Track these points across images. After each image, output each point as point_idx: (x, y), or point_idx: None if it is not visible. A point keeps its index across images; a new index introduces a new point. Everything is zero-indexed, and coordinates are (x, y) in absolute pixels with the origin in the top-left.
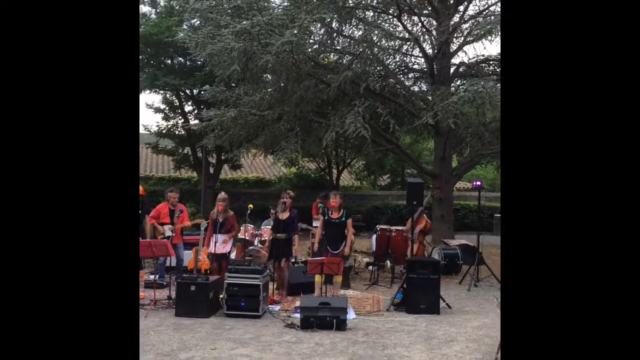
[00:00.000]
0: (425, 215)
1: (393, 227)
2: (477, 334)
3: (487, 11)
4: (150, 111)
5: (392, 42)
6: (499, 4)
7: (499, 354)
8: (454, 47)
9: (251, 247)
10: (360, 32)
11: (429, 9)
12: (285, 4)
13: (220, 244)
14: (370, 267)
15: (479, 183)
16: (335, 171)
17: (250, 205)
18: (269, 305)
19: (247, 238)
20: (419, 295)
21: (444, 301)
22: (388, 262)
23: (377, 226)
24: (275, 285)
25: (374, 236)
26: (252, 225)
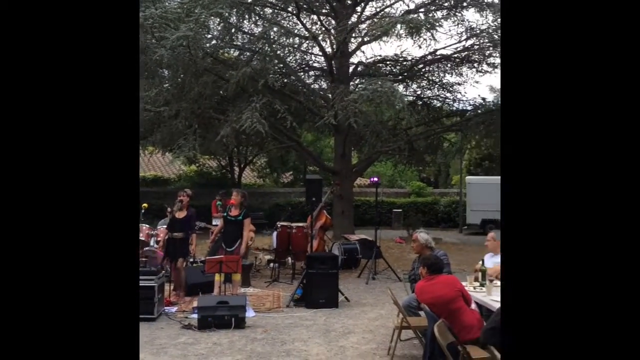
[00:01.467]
0: (325, 212)
1: (294, 224)
2: (373, 325)
3: (383, 12)
4: None
5: (292, 40)
6: (395, 6)
7: (393, 342)
8: (352, 46)
9: (146, 248)
10: (259, 29)
11: (327, 8)
12: None
13: None
14: (271, 265)
15: (375, 179)
16: (237, 169)
17: (145, 205)
18: (165, 307)
19: (142, 238)
20: (318, 290)
21: (343, 295)
22: (289, 258)
23: (278, 223)
24: (172, 286)
25: (275, 233)
26: (147, 225)
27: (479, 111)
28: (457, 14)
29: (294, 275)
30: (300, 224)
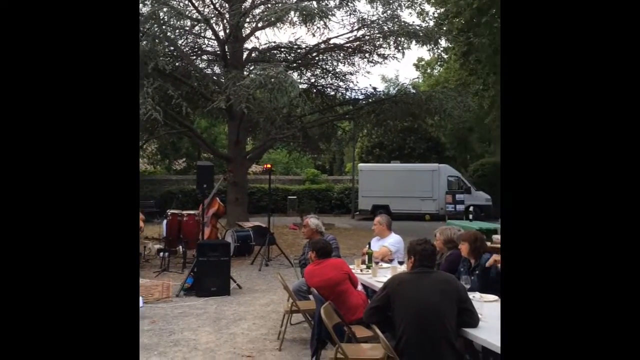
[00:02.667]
0: (218, 199)
1: (185, 212)
2: (265, 311)
3: None
4: None
5: (183, 22)
6: None
7: (283, 327)
8: (246, 31)
9: None
10: (147, 9)
11: None
12: None
13: None
14: (161, 254)
15: (268, 166)
16: None
17: None
18: None
19: None
20: (210, 278)
21: (235, 282)
22: (180, 247)
23: (168, 211)
24: None
25: (165, 221)
26: None
27: (370, 100)
28: (349, 4)
29: (185, 264)
30: (192, 212)
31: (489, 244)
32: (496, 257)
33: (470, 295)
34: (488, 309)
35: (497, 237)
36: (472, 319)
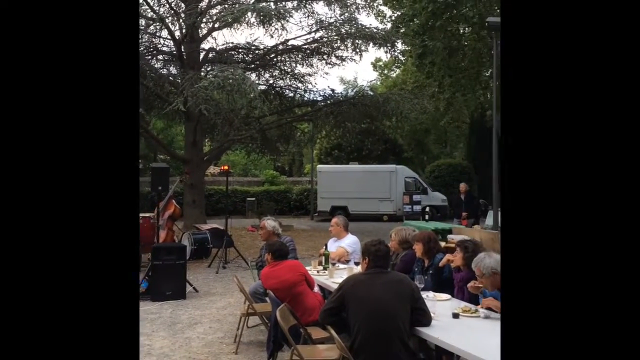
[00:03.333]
0: (174, 201)
1: (140, 215)
2: (221, 314)
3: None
4: None
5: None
6: None
7: (239, 330)
8: (203, 31)
9: None
10: None
11: None
12: None
13: None
14: None
15: (226, 167)
16: None
17: None
18: None
19: None
20: (165, 282)
21: (191, 285)
22: None
23: None
24: None
25: None
26: None
27: (329, 102)
28: (307, 6)
29: (140, 268)
30: (147, 214)
31: (443, 244)
32: (449, 256)
33: (424, 294)
34: (440, 308)
35: (451, 237)
36: (425, 318)
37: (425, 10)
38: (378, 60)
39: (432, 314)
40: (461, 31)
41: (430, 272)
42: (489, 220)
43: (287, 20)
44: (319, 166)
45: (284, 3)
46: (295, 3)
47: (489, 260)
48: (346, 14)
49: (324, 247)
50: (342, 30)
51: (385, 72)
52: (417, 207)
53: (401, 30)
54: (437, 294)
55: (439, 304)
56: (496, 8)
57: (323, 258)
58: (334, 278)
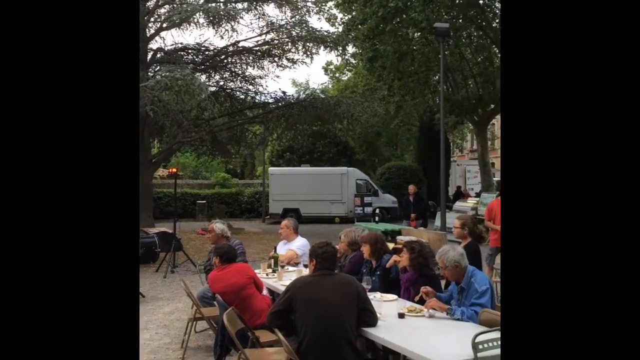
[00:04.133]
0: None
1: None
2: (169, 319)
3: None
4: None
5: None
6: None
7: (186, 335)
8: (150, 31)
9: None
10: None
11: None
12: None
13: None
14: None
15: (174, 170)
16: None
17: None
18: None
19: None
20: None
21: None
22: None
23: None
24: None
25: None
26: None
27: (280, 104)
28: (257, 7)
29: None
30: None
31: (392, 245)
32: (396, 257)
33: (371, 295)
34: (387, 308)
35: (400, 238)
36: (371, 319)
37: (375, 15)
38: (330, 63)
39: (378, 315)
40: (410, 36)
41: (378, 273)
42: (438, 221)
43: (238, 22)
44: (271, 169)
45: (234, 4)
46: (245, 4)
47: (453, 253)
48: (297, 17)
49: (273, 250)
50: (293, 32)
51: (337, 75)
52: (368, 209)
53: (352, 34)
54: (384, 294)
55: (386, 305)
56: (443, 14)
57: (272, 261)
58: (283, 281)
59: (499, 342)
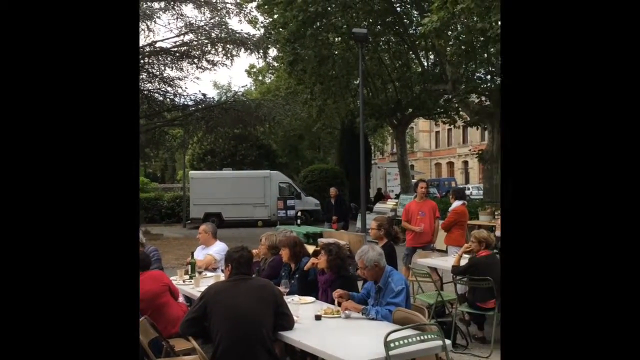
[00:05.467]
0: None
1: None
2: None
3: None
4: None
5: None
6: None
7: None
8: None
9: None
10: None
11: None
12: None
13: None
14: None
15: None
16: None
17: None
18: None
19: None
20: None
21: None
22: None
23: None
24: None
25: None
26: None
27: (200, 107)
28: (175, 7)
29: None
30: None
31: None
32: (314, 260)
33: (289, 298)
34: (304, 311)
35: (322, 241)
36: (288, 322)
37: (296, 19)
38: (252, 66)
39: (295, 318)
40: (331, 40)
41: (297, 276)
42: (360, 222)
43: (154, 22)
44: (191, 172)
45: (150, 3)
46: (162, 4)
47: (372, 253)
48: (217, 18)
49: (191, 256)
50: (213, 34)
51: (260, 78)
52: (291, 212)
53: (273, 37)
54: (301, 297)
55: (303, 307)
56: (362, 19)
57: (189, 267)
58: (200, 287)
59: (410, 340)
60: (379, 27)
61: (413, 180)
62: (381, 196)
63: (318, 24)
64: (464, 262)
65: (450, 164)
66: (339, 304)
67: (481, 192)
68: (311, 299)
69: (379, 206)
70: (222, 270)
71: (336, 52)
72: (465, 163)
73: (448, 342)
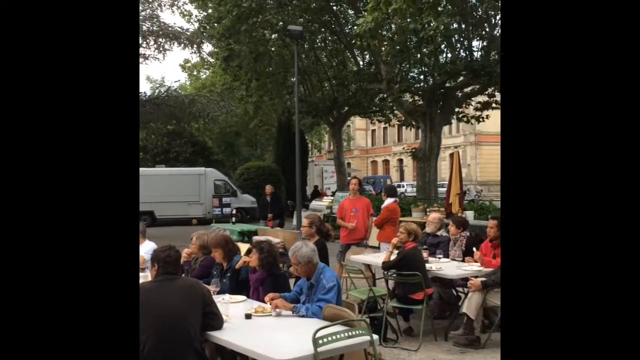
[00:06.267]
0: None
1: None
2: None
3: None
4: None
5: None
6: None
7: None
8: None
9: None
10: None
11: None
12: None
13: None
14: None
15: None
16: None
17: None
18: None
19: None
20: None
21: None
22: None
23: None
24: None
25: None
26: None
27: None
28: None
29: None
30: None
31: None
32: (245, 258)
33: (220, 297)
34: (234, 310)
35: (257, 238)
36: (217, 322)
37: (230, 14)
38: (187, 61)
39: (225, 317)
40: (267, 37)
41: (228, 274)
42: (295, 220)
43: None
44: None
45: None
46: None
47: (306, 249)
48: (148, 11)
49: None
50: (144, 27)
51: (195, 73)
52: (227, 210)
53: (207, 32)
54: (232, 296)
55: (233, 306)
56: (298, 17)
57: None
58: None
59: (338, 336)
60: (315, 25)
61: (349, 178)
62: (317, 194)
63: (254, 19)
64: (394, 258)
65: (386, 162)
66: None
67: (415, 189)
68: (242, 297)
69: (314, 204)
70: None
71: (272, 49)
72: (401, 161)
73: (376, 337)
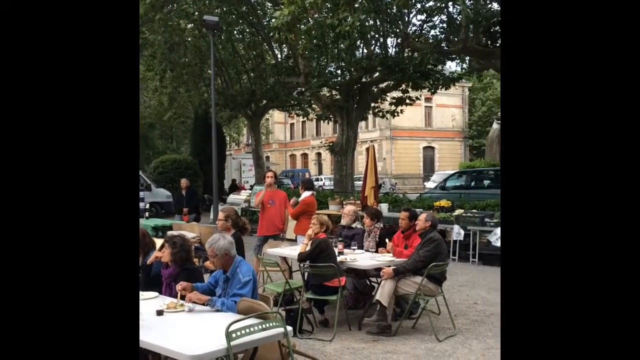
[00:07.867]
0: None
1: None
2: None
3: None
4: None
5: None
6: None
7: None
8: None
9: None
10: None
11: None
12: None
13: None
14: None
15: None
16: None
17: None
18: None
19: None
20: None
21: None
22: None
23: None
24: None
25: None
26: None
27: None
28: None
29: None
30: None
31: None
32: (157, 253)
33: None
34: (146, 307)
35: (171, 233)
36: None
37: (144, 1)
38: None
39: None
40: (182, 26)
41: (140, 271)
42: (212, 214)
43: None
44: None
45: None
46: None
47: (223, 241)
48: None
49: None
50: None
51: None
52: (141, 204)
53: None
54: (143, 292)
55: (144, 303)
56: (215, 7)
57: None
58: None
59: (252, 329)
60: (232, 16)
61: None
62: (235, 187)
63: (168, 7)
64: (308, 249)
65: (305, 156)
66: (183, 297)
67: (332, 182)
68: (154, 294)
69: (233, 197)
70: None
71: (189, 39)
72: (319, 155)
73: (289, 328)
